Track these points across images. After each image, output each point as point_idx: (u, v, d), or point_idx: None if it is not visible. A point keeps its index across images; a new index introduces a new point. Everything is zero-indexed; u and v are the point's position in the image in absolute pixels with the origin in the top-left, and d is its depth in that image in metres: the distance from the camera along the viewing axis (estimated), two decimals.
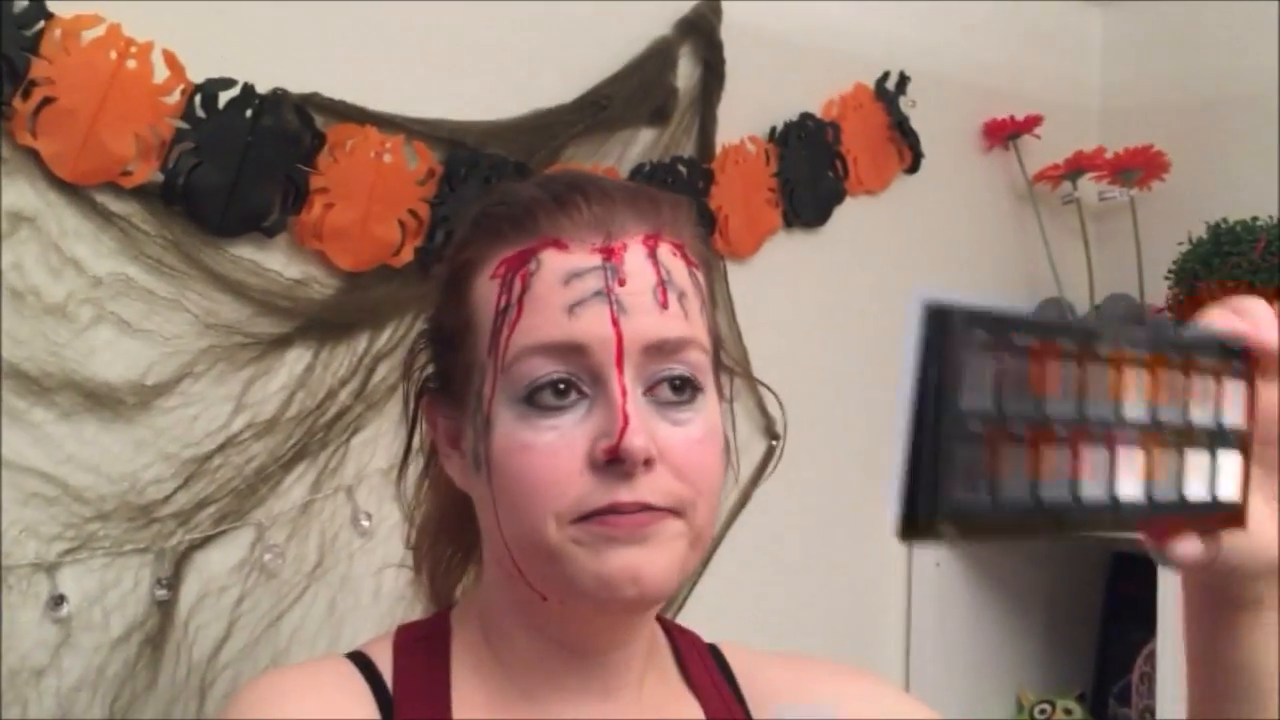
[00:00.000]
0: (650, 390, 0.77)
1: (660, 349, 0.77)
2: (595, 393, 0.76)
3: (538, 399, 0.76)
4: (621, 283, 0.76)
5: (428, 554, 0.91)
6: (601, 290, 0.76)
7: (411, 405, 0.86)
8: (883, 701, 0.90)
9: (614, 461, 0.74)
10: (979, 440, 0.54)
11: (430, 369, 0.85)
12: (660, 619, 0.88)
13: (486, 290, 0.79)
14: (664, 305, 0.77)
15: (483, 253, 0.80)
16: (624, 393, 0.75)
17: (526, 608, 0.80)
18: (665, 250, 0.79)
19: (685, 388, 0.78)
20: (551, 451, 0.75)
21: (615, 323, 0.76)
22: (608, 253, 0.77)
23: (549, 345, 0.76)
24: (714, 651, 0.90)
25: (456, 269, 0.82)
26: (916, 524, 0.53)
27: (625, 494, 0.74)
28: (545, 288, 0.77)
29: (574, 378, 0.76)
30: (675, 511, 0.76)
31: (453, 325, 0.81)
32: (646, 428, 0.75)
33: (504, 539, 0.78)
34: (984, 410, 0.54)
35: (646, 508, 0.75)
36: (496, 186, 0.93)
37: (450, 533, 0.90)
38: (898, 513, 0.53)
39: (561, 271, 0.77)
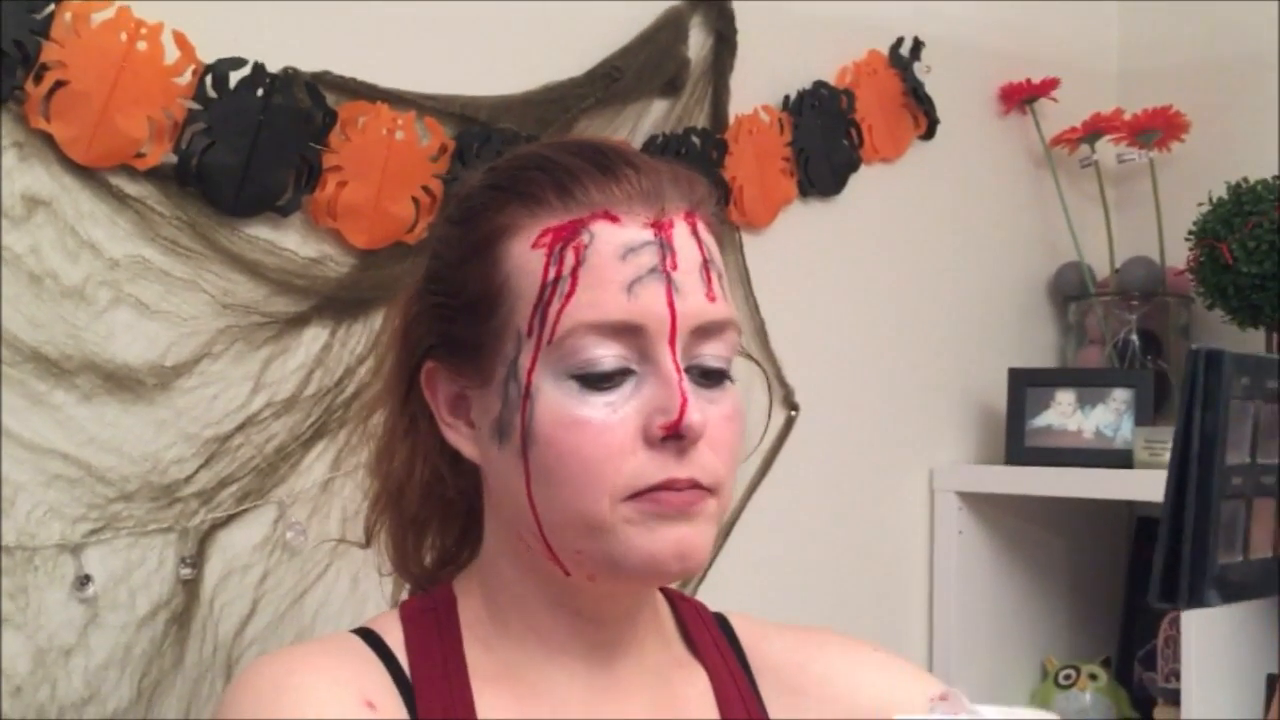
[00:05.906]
0: (687, 369, 0.77)
1: (707, 330, 0.78)
2: (644, 370, 0.76)
3: (589, 375, 0.76)
4: (675, 262, 0.77)
5: (387, 520, 0.90)
6: (657, 267, 0.76)
7: (407, 368, 0.85)
8: (889, 672, 0.90)
9: (669, 438, 0.75)
10: (1239, 496, 0.54)
11: (433, 333, 0.83)
12: (661, 587, 0.88)
13: (527, 259, 0.77)
14: (709, 287, 0.78)
15: (518, 219, 0.78)
16: (680, 371, 0.76)
17: (542, 578, 0.81)
18: (702, 228, 0.79)
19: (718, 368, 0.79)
20: (606, 428, 0.75)
21: (671, 303, 0.76)
22: (659, 227, 0.77)
23: (607, 324, 0.76)
24: (721, 620, 0.91)
25: (485, 233, 0.79)
26: (1179, 590, 0.53)
27: (680, 470, 0.76)
28: (601, 261, 0.76)
29: (626, 359, 0.76)
30: (712, 490, 0.77)
31: (477, 292, 0.79)
32: (698, 405, 0.76)
33: (535, 512, 0.78)
34: (1243, 464, 0.54)
35: (696, 485, 0.76)
36: (514, 151, 0.90)
37: (417, 500, 0.88)
38: (1159, 577, 0.53)
39: (617, 245, 0.76)
